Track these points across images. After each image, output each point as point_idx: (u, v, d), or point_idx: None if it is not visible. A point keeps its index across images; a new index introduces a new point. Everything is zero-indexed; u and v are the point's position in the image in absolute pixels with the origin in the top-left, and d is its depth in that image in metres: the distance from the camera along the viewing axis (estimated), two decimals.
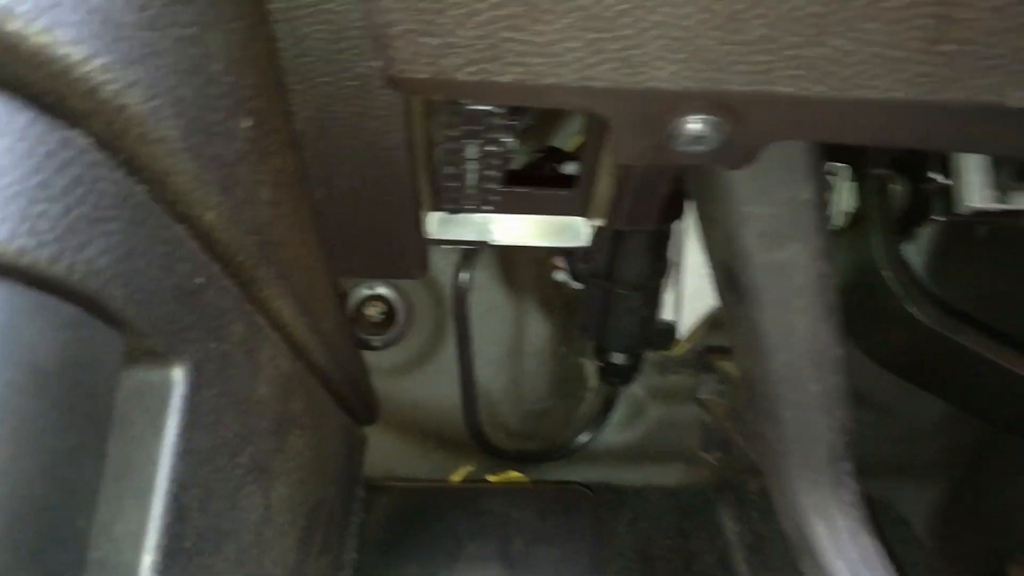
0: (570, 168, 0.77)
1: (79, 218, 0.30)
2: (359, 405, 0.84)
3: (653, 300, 0.95)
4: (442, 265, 0.99)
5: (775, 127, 0.44)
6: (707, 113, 0.42)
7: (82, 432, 0.31)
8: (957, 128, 0.43)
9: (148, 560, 0.35)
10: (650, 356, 1.10)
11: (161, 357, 0.37)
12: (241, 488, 0.46)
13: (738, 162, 0.46)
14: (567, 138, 0.92)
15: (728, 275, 0.62)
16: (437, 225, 0.68)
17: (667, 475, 1.13)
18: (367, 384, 0.88)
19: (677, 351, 1.10)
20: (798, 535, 0.70)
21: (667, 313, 1.04)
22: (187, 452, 0.38)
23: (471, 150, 0.57)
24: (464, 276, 0.93)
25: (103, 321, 0.32)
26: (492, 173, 0.60)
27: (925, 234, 0.88)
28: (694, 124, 0.42)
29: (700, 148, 0.44)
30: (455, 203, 0.63)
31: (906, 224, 0.79)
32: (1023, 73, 0.38)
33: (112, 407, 0.33)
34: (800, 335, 0.62)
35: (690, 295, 1.09)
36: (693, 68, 0.38)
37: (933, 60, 0.37)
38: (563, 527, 0.90)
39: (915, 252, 0.87)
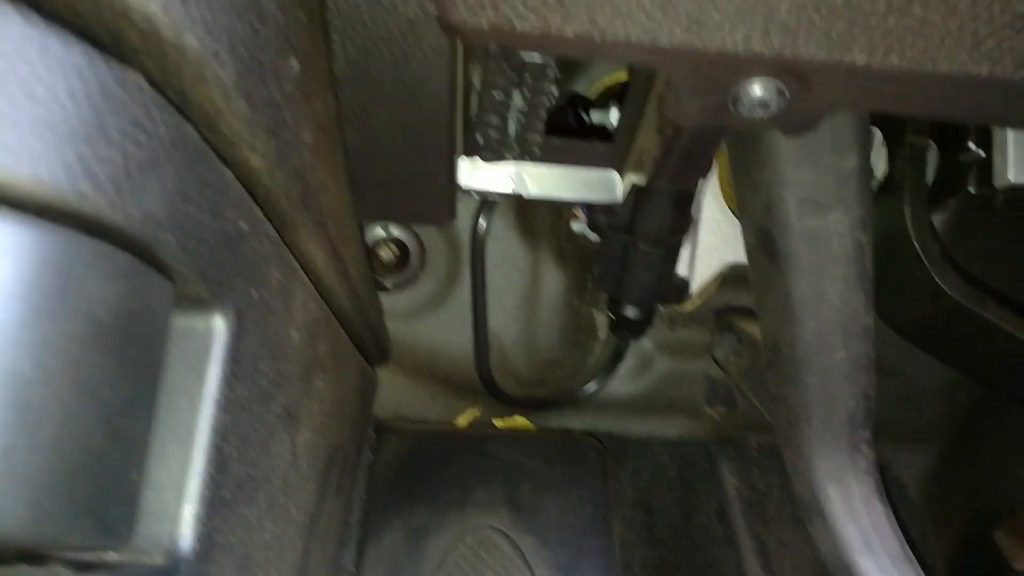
0: (595, 116, 0.75)
1: (136, 162, 0.28)
2: (374, 347, 0.84)
3: (672, 256, 0.94)
4: (459, 210, 0.98)
5: (842, 97, 0.42)
6: (774, 79, 0.40)
7: (135, 383, 0.30)
8: None
9: (190, 510, 0.35)
10: (660, 310, 1.10)
11: (205, 305, 0.36)
12: (273, 435, 0.46)
13: (799, 128, 0.45)
14: (589, 84, 0.89)
15: (763, 239, 0.61)
16: (468, 173, 0.66)
17: (671, 428, 1.14)
18: (382, 326, 0.87)
19: (688, 307, 1.10)
20: (811, 498, 0.71)
21: (681, 268, 1.04)
22: (227, 401, 0.38)
23: (518, 100, 0.55)
24: (482, 223, 0.92)
25: (155, 269, 0.31)
26: (535, 123, 0.58)
27: (950, 204, 0.87)
28: (759, 89, 0.41)
29: (762, 113, 0.42)
30: (496, 152, 0.62)
31: (937, 194, 0.78)
32: None
33: (163, 358, 0.32)
34: (832, 303, 0.61)
35: (704, 251, 1.08)
36: (766, 33, 0.37)
37: (1020, 37, 0.36)
38: (569, 475, 0.91)
39: (939, 222, 0.87)
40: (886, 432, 1.12)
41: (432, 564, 0.80)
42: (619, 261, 0.93)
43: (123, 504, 0.30)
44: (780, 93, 0.41)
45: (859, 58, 0.37)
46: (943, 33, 0.36)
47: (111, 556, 0.33)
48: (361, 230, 0.66)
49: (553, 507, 0.86)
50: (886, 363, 1.08)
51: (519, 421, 1.08)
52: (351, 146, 0.55)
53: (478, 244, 0.91)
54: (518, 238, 1.04)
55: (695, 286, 1.08)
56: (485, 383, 1.02)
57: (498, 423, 1.07)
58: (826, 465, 0.69)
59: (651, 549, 1.02)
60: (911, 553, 0.70)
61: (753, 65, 0.39)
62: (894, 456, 1.15)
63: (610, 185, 0.69)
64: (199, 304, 0.36)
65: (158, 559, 0.34)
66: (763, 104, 0.41)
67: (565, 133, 0.66)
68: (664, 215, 0.88)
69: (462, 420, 1.08)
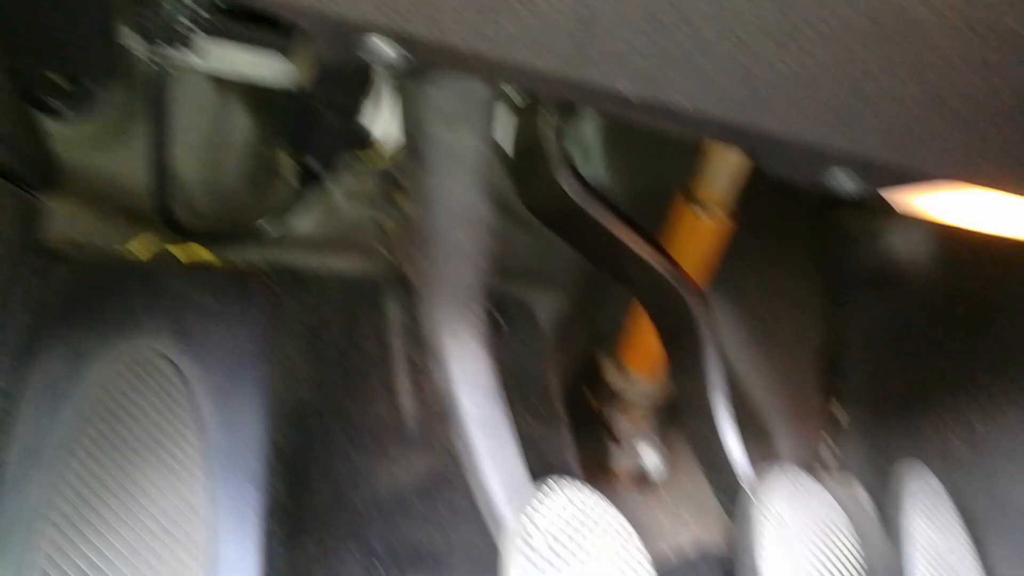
0: None
1: None
2: (32, 173, 0.83)
3: (352, 115, 1.01)
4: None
5: (452, 66, 0.52)
6: (390, 41, 0.49)
7: None
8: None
9: None
10: (348, 159, 1.18)
11: None
12: None
13: (422, 75, 0.54)
14: None
15: (411, 141, 0.73)
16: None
17: (346, 264, 1.25)
18: (42, 151, 0.85)
19: (376, 162, 1.19)
20: (430, 341, 0.88)
21: (380, 123, 1.11)
22: None
23: None
24: (166, 54, 0.91)
25: None
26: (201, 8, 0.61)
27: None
28: (380, 47, 0.49)
29: (384, 63, 0.51)
30: (165, 32, 0.63)
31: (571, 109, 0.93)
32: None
33: None
34: (455, 197, 0.76)
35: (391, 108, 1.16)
36: (377, 7, 0.45)
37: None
38: (236, 306, 0.97)
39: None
40: (528, 276, 1.35)
41: (94, 387, 0.85)
42: (302, 115, 0.98)
43: None
44: (398, 54, 0.50)
45: (459, 41, 0.47)
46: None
47: None
48: None
49: (217, 335, 0.93)
50: (533, 224, 1.28)
51: (197, 251, 1.12)
52: None
53: (158, 78, 0.90)
54: (208, 79, 1.04)
55: (380, 139, 1.17)
56: (162, 215, 1.04)
57: (176, 251, 1.11)
58: (443, 316, 0.86)
59: (317, 367, 1.16)
60: (499, 389, 0.90)
61: (370, 27, 0.48)
62: (533, 296, 1.39)
63: (293, 71, 0.75)
64: None
65: None
66: (385, 59, 0.50)
67: (241, 16, 0.69)
68: (351, 81, 0.95)
69: (136, 245, 1.09)
